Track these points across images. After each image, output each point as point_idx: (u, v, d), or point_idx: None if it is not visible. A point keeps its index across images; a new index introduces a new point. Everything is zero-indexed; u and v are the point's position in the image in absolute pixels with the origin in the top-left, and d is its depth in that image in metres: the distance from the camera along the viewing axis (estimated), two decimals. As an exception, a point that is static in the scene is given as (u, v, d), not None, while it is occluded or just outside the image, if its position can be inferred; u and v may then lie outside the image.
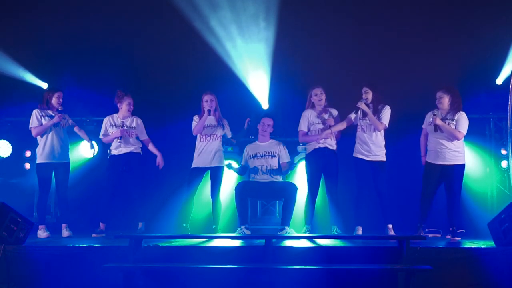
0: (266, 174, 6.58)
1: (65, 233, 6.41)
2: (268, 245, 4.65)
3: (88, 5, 7.82)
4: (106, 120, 6.78)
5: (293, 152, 8.01)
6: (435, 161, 6.26)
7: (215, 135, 6.69)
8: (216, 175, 6.63)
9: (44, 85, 8.65)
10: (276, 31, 7.91)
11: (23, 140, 8.59)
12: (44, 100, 6.65)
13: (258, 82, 8.27)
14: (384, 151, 6.42)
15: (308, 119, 6.59)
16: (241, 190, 6.45)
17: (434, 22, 7.68)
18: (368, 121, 6.37)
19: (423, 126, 6.50)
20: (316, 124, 6.55)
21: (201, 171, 6.65)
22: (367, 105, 6.39)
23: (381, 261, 4.62)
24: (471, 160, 7.99)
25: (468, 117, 8.18)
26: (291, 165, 6.67)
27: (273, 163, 6.62)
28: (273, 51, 8.06)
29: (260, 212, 8.19)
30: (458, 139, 6.24)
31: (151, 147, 6.83)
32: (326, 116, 6.56)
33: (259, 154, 6.67)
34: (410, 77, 8.03)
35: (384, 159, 6.39)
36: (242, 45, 8.09)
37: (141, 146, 6.81)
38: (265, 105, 8.39)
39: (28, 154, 8.53)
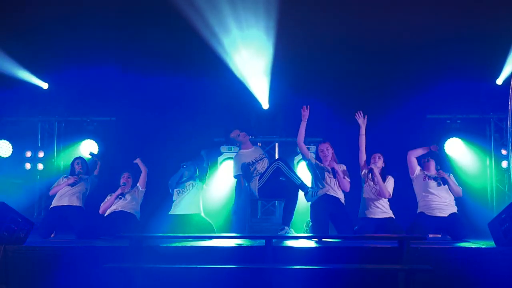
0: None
1: None
2: (268, 245, 4.64)
3: (89, 5, 7.83)
4: (109, 195, 6.78)
5: (293, 152, 8.01)
6: (431, 213, 6.25)
7: (190, 184, 6.69)
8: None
9: (45, 85, 8.68)
10: (277, 30, 7.91)
11: (23, 140, 8.62)
12: (71, 168, 6.95)
13: (258, 82, 8.28)
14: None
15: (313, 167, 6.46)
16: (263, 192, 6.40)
17: (434, 22, 7.68)
18: (375, 186, 6.29)
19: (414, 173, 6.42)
20: (326, 171, 6.40)
21: (179, 218, 6.62)
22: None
23: (381, 261, 4.62)
24: (471, 160, 8.01)
25: (468, 117, 8.29)
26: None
27: (265, 164, 6.51)
28: (274, 50, 8.06)
29: (260, 212, 8.19)
30: (460, 196, 6.33)
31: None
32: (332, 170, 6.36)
33: (256, 159, 6.53)
34: (410, 76, 8.05)
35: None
36: (242, 43, 8.09)
37: (138, 209, 6.74)
38: (265, 105, 8.41)
39: (28, 154, 8.55)
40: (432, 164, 6.41)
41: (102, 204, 6.72)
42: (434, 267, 4.43)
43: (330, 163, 6.36)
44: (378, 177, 6.25)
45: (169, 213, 6.65)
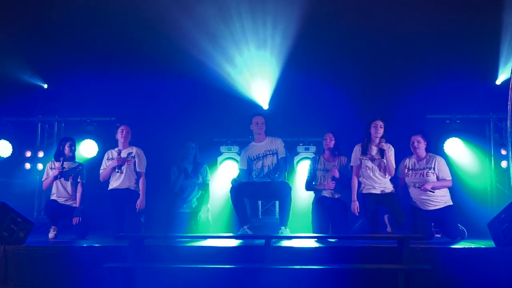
0: (267, 174, 6.42)
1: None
2: (268, 245, 4.65)
3: (90, 5, 7.83)
4: (105, 155, 6.60)
5: (292, 153, 8.01)
6: (424, 208, 5.97)
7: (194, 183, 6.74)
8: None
9: (45, 85, 8.69)
10: (277, 31, 7.92)
11: (23, 140, 8.62)
12: (58, 149, 6.58)
13: (258, 82, 8.27)
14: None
15: (314, 165, 6.50)
16: (237, 192, 6.28)
17: (434, 22, 7.68)
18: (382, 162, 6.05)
19: (399, 176, 6.14)
20: (321, 171, 6.44)
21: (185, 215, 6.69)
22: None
23: (381, 261, 4.63)
24: (471, 160, 8.01)
25: (468, 117, 8.26)
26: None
27: (274, 160, 6.46)
28: (273, 50, 8.06)
29: (260, 212, 8.21)
30: (449, 186, 5.99)
31: (141, 183, 6.47)
32: (333, 164, 6.41)
33: (260, 155, 6.49)
34: (410, 76, 8.05)
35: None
36: (242, 44, 8.09)
37: (137, 183, 6.52)
38: (265, 105, 8.40)
39: (28, 154, 8.55)
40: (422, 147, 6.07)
41: (101, 171, 6.49)
42: (434, 267, 4.44)
43: (332, 170, 6.32)
44: (389, 158, 6.01)
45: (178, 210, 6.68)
